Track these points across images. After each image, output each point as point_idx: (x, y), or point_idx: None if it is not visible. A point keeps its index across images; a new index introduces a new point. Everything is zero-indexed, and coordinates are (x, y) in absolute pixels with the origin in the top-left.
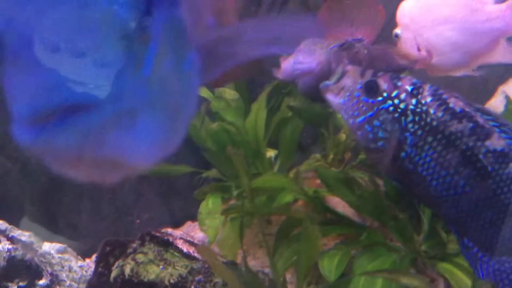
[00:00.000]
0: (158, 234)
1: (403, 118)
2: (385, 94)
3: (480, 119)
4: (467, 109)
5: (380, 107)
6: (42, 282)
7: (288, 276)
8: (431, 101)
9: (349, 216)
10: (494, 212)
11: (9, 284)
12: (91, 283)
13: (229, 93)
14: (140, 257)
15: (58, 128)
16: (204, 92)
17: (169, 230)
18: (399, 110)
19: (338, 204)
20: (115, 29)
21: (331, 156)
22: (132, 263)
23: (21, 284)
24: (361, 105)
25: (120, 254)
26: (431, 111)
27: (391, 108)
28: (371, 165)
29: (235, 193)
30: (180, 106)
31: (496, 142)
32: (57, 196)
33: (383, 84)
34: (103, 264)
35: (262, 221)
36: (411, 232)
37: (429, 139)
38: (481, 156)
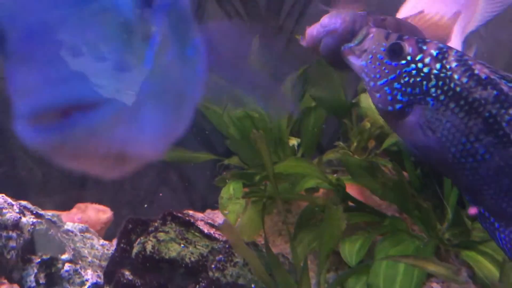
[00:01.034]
0: (179, 215)
1: (425, 82)
2: (409, 58)
3: (505, 87)
4: (492, 76)
5: (403, 70)
6: (64, 256)
7: (308, 262)
8: (456, 66)
9: (369, 203)
10: None
11: (33, 257)
12: (113, 258)
13: None
14: (161, 235)
15: (63, 126)
16: None
17: (191, 212)
18: (422, 74)
19: (361, 194)
20: (116, 23)
21: (355, 144)
22: (154, 240)
23: (44, 257)
24: (383, 67)
25: (142, 232)
26: (456, 76)
27: (413, 72)
28: (396, 153)
29: (257, 178)
30: (185, 94)
31: None
32: (80, 183)
33: (408, 47)
34: (125, 240)
35: (283, 206)
36: (434, 221)
37: (452, 105)
38: (504, 124)
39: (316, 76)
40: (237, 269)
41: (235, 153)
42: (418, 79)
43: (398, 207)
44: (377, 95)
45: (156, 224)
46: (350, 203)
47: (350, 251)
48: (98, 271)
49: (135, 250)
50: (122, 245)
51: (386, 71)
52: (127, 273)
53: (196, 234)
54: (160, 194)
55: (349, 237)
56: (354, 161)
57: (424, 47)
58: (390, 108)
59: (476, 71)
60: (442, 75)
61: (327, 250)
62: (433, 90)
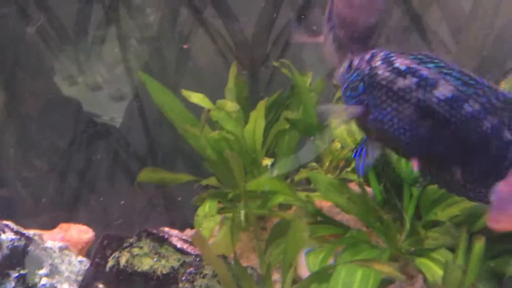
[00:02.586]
0: (154, 231)
1: (361, 85)
2: (354, 69)
3: (425, 72)
4: (412, 66)
5: (350, 79)
6: (42, 271)
7: (277, 276)
8: (380, 64)
9: (337, 218)
10: (465, 151)
11: (11, 271)
12: (88, 272)
13: (230, 105)
14: (135, 250)
15: None
16: (204, 102)
17: (166, 229)
18: (359, 78)
19: (331, 209)
20: None
21: (327, 164)
22: (128, 255)
23: (22, 272)
24: (343, 81)
25: (117, 247)
26: (379, 72)
27: (355, 78)
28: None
29: (230, 195)
30: None
31: (444, 89)
32: (67, 205)
33: (355, 60)
34: (100, 255)
35: (258, 223)
36: (394, 232)
37: (383, 97)
38: (434, 107)
39: (290, 100)
40: (206, 280)
41: (213, 173)
42: (357, 83)
43: (361, 220)
44: (345, 104)
45: (131, 240)
46: (320, 218)
47: (314, 262)
48: (75, 285)
49: (109, 264)
50: (97, 259)
51: (344, 84)
52: (100, 286)
53: (169, 249)
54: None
55: (313, 250)
56: (322, 179)
57: (366, 56)
58: (348, 115)
59: (396, 64)
60: (371, 74)
61: (290, 261)
62: (368, 89)
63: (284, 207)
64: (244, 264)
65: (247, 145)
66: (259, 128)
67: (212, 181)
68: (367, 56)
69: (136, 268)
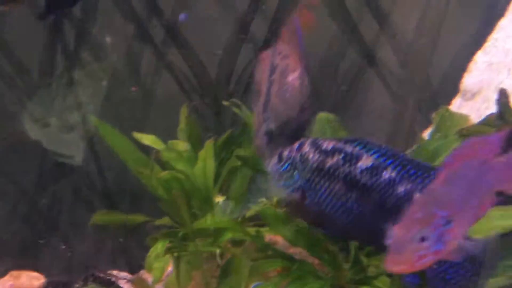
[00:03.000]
0: (101, 275)
1: (296, 172)
2: (285, 159)
3: (349, 149)
4: (337, 145)
5: (282, 169)
6: None
7: None
8: (309, 149)
9: (290, 251)
10: (387, 215)
11: None
12: None
13: (181, 145)
14: None
15: None
16: (156, 144)
17: (115, 272)
18: (292, 166)
19: (287, 243)
20: None
21: (275, 199)
22: None
23: None
24: (275, 173)
25: None
26: (310, 156)
27: (288, 168)
28: None
29: (180, 234)
30: None
31: (366, 161)
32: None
33: (285, 151)
34: None
35: (201, 258)
36: (340, 262)
37: (317, 179)
38: (358, 177)
39: (242, 138)
40: None
41: (167, 213)
42: (291, 172)
43: (307, 252)
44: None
45: (77, 285)
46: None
47: None
48: None
49: None
50: None
51: (275, 175)
52: None
53: None
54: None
55: (260, 285)
56: (270, 213)
57: (294, 146)
58: (284, 203)
59: (323, 147)
60: (302, 160)
61: None
62: (302, 175)
63: (238, 242)
64: None
65: (198, 183)
66: (209, 166)
67: (166, 220)
68: (296, 146)
69: None
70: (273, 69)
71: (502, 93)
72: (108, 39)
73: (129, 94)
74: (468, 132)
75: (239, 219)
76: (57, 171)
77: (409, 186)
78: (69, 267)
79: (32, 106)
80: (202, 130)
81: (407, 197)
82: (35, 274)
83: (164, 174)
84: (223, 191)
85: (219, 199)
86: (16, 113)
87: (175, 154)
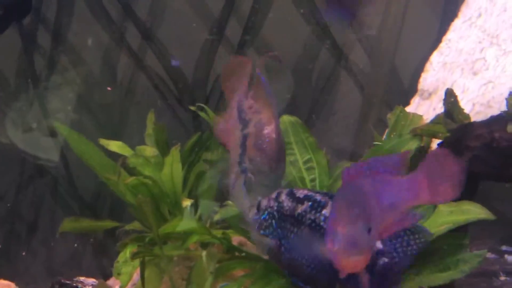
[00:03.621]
0: (68, 282)
1: (273, 221)
2: (264, 209)
3: (318, 197)
4: (309, 193)
5: (261, 218)
6: None
7: None
8: (285, 197)
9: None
10: None
11: None
12: None
13: (149, 150)
14: None
15: None
16: (123, 150)
17: (82, 278)
18: (270, 215)
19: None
20: None
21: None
22: None
23: None
24: (255, 223)
25: None
26: (285, 204)
27: (266, 217)
28: None
29: (147, 238)
30: None
31: (330, 208)
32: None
33: (263, 201)
34: None
35: (169, 261)
36: None
37: (288, 226)
38: (321, 223)
39: (209, 141)
40: None
41: (136, 218)
42: (270, 221)
43: None
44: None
45: None
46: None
47: None
48: None
49: None
50: None
51: (255, 225)
52: None
53: None
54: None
55: (226, 285)
56: (232, 213)
57: (272, 195)
58: (265, 253)
59: (297, 194)
60: (279, 208)
61: None
62: (279, 223)
63: (206, 245)
64: None
65: (166, 188)
66: (176, 171)
67: (136, 225)
68: (274, 195)
69: None
70: (245, 123)
71: (449, 93)
72: (84, 44)
73: (106, 99)
74: (421, 131)
75: (208, 222)
76: (35, 174)
77: None
78: (43, 274)
79: (11, 111)
80: (169, 134)
81: None
82: (6, 282)
83: (131, 180)
84: (191, 195)
85: (187, 202)
86: None
87: (142, 160)
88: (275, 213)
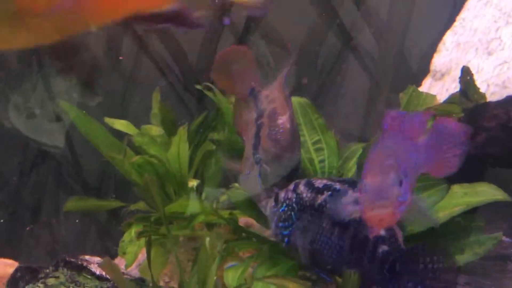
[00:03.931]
0: (72, 260)
1: (292, 213)
2: (282, 201)
3: (337, 186)
4: (328, 183)
5: (280, 210)
6: None
7: None
8: (303, 188)
9: (266, 234)
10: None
11: None
12: None
13: (155, 129)
14: (50, 281)
15: None
16: (129, 128)
17: (87, 257)
18: (289, 207)
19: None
20: None
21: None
22: (42, 286)
23: None
24: (273, 215)
25: (31, 279)
26: (304, 195)
27: (285, 209)
28: None
29: (153, 218)
30: None
31: (349, 197)
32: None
33: (281, 193)
34: None
35: (175, 242)
36: None
37: (309, 218)
38: (340, 213)
39: (215, 122)
40: None
41: (141, 198)
42: (289, 213)
43: None
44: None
45: (47, 270)
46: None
47: (233, 277)
48: None
49: None
50: None
51: (274, 217)
52: None
53: (88, 276)
54: None
55: (233, 266)
56: (239, 195)
57: (290, 187)
58: (284, 245)
59: (316, 185)
60: (298, 200)
61: (203, 278)
62: (298, 215)
63: (212, 225)
64: (175, 285)
65: (172, 168)
66: (183, 151)
67: (141, 205)
68: (291, 186)
69: None
70: (260, 113)
71: (465, 71)
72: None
73: (110, 82)
74: (436, 111)
75: (214, 203)
76: (39, 159)
77: None
78: (46, 255)
79: (15, 96)
80: (175, 115)
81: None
82: (9, 261)
83: (137, 158)
84: (197, 175)
85: (193, 183)
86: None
87: (148, 139)
88: (294, 204)
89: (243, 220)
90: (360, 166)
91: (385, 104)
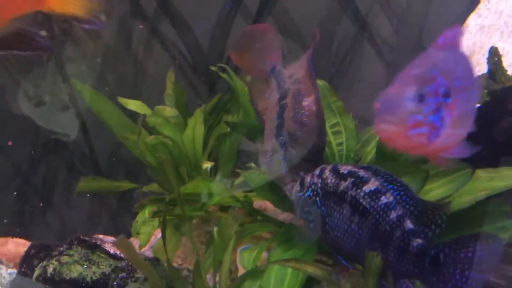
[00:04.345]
0: (86, 238)
1: (317, 198)
2: (308, 185)
3: (361, 173)
4: (353, 169)
5: (305, 195)
6: None
7: (217, 279)
8: (329, 174)
9: (281, 218)
10: (380, 240)
11: None
12: (13, 283)
13: (169, 110)
14: (65, 258)
15: None
16: (142, 109)
17: (101, 236)
18: (314, 192)
19: (277, 210)
20: None
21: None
22: (56, 263)
23: None
24: (299, 200)
25: (45, 257)
26: (329, 181)
27: (310, 194)
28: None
29: (167, 198)
30: None
31: (371, 184)
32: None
33: (307, 178)
34: (27, 265)
35: (189, 224)
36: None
37: (332, 204)
38: (361, 200)
39: (230, 104)
40: (138, 284)
41: (155, 179)
42: (313, 198)
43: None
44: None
45: (61, 248)
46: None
47: (248, 259)
48: None
49: (35, 274)
50: (23, 269)
51: (299, 202)
52: None
53: (102, 255)
54: None
55: (248, 248)
56: (256, 178)
57: (316, 172)
58: (308, 230)
59: (341, 171)
60: (323, 185)
61: (219, 258)
62: (323, 200)
63: (227, 208)
64: (190, 267)
65: (187, 150)
66: (198, 133)
67: (154, 187)
68: (317, 171)
69: (64, 276)
70: (283, 94)
71: (493, 52)
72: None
73: (121, 70)
74: None
75: (228, 185)
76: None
77: (400, 212)
78: (59, 236)
79: (26, 84)
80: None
81: (398, 223)
82: (22, 241)
83: (151, 138)
84: (211, 157)
85: (208, 165)
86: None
87: (161, 120)
88: (319, 190)
89: (257, 203)
90: (379, 150)
91: None
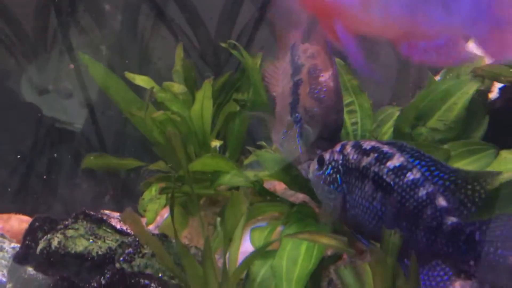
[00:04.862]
0: (92, 213)
1: (338, 175)
2: (327, 163)
3: (385, 148)
4: (376, 145)
5: (326, 173)
6: None
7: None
8: (350, 149)
9: (291, 200)
10: (407, 219)
11: None
12: (17, 255)
13: (177, 87)
14: (70, 232)
15: None
16: (150, 84)
17: (107, 211)
18: (335, 169)
19: (288, 191)
20: None
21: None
22: (61, 236)
23: None
24: (318, 178)
25: (49, 230)
26: (350, 157)
27: (331, 172)
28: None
29: (176, 175)
30: None
31: (395, 160)
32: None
33: (326, 155)
34: (31, 238)
35: (197, 203)
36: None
37: (353, 180)
38: (384, 176)
39: (240, 82)
40: (145, 260)
41: (161, 157)
42: (334, 175)
43: (306, 195)
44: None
45: (66, 222)
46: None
47: (259, 238)
48: (4, 270)
49: (40, 247)
50: (27, 242)
51: (319, 180)
52: (29, 269)
53: (108, 230)
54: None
55: (259, 227)
56: (268, 157)
57: (336, 149)
58: (329, 208)
59: (363, 146)
60: (344, 162)
61: (229, 234)
62: (344, 177)
63: (235, 188)
64: (195, 245)
65: (195, 127)
66: (206, 109)
67: (160, 165)
68: (338, 148)
69: (69, 249)
70: (297, 69)
71: None
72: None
73: (127, 58)
74: (483, 72)
75: (239, 164)
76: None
77: (430, 189)
78: (63, 213)
79: (31, 72)
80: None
81: (429, 201)
82: (25, 217)
83: (159, 114)
84: (219, 136)
85: (216, 143)
86: (13, 76)
87: (170, 95)
88: (340, 167)
89: (267, 184)
90: (397, 130)
91: (418, 71)
